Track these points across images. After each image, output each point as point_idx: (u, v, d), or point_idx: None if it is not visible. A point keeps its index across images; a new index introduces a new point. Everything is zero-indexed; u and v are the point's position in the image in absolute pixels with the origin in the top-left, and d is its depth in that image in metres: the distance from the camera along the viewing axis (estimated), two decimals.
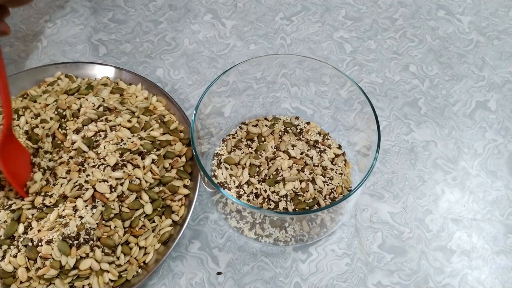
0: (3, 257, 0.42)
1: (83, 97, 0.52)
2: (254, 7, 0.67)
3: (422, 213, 0.49)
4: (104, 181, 0.44)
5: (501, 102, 0.58)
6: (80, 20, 0.65)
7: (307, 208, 0.45)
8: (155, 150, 0.48)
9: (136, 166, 0.46)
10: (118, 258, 0.43)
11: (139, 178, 0.45)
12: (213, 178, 0.48)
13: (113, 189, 0.44)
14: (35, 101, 0.52)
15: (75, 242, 0.41)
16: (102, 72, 0.56)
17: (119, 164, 0.46)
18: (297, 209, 0.45)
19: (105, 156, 0.46)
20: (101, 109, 0.50)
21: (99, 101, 0.51)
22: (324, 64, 0.49)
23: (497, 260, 0.46)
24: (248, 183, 0.47)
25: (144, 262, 0.44)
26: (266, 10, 0.67)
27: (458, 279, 0.45)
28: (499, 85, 0.59)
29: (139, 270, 0.44)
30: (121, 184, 0.44)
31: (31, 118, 0.50)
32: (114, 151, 0.46)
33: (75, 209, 0.43)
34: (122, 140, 0.47)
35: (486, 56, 0.62)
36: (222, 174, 0.48)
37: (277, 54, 0.60)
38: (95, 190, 0.44)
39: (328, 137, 0.51)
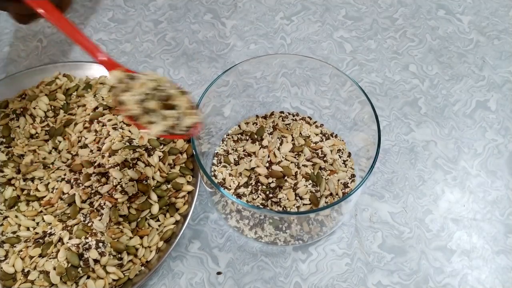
0: (6, 257, 0.42)
1: (82, 96, 0.52)
2: (254, 7, 0.67)
3: (422, 213, 0.49)
4: (117, 184, 0.44)
5: (501, 102, 0.58)
6: (80, 20, 0.65)
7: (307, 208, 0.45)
8: (161, 146, 0.48)
9: (147, 165, 0.46)
10: (122, 258, 0.43)
11: (147, 177, 0.45)
12: (213, 178, 0.48)
13: (123, 191, 0.44)
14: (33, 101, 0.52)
15: (85, 251, 0.41)
16: (101, 71, 0.56)
17: (130, 164, 0.45)
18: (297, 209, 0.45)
19: (113, 155, 0.45)
20: (100, 108, 0.50)
21: (98, 99, 0.51)
22: (324, 64, 0.48)
23: (497, 260, 0.46)
24: (248, 183, 0.47)
25: (146, 260, 0.44)
26: (266, 9, 0.67)
27: (458, 279, 0.45)
28: (499, 85, 0.59)
29: (142, 268, 0.43)
30: (133, 185, 0.44)
31: (29, 118, 0.50)
32: (122, 149, 0.46)
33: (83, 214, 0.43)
34: (130, 138, 0.47)
35: (486, 55, 0.62)
36: (222, 174, 0.48)
37: (277, 54, 0.60)
38: (102, 193, 0.44)
39: (329, 137, 0.51)
